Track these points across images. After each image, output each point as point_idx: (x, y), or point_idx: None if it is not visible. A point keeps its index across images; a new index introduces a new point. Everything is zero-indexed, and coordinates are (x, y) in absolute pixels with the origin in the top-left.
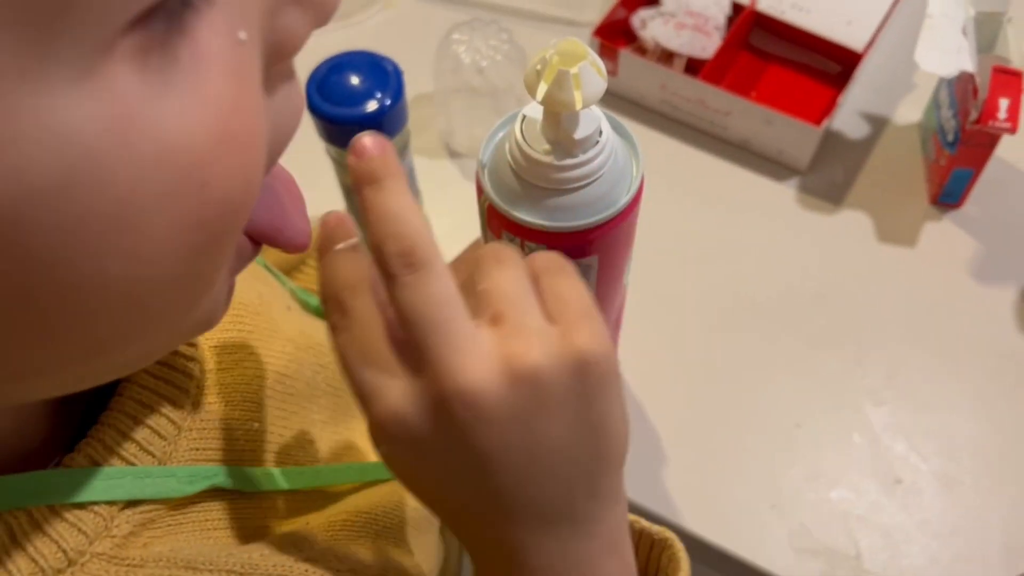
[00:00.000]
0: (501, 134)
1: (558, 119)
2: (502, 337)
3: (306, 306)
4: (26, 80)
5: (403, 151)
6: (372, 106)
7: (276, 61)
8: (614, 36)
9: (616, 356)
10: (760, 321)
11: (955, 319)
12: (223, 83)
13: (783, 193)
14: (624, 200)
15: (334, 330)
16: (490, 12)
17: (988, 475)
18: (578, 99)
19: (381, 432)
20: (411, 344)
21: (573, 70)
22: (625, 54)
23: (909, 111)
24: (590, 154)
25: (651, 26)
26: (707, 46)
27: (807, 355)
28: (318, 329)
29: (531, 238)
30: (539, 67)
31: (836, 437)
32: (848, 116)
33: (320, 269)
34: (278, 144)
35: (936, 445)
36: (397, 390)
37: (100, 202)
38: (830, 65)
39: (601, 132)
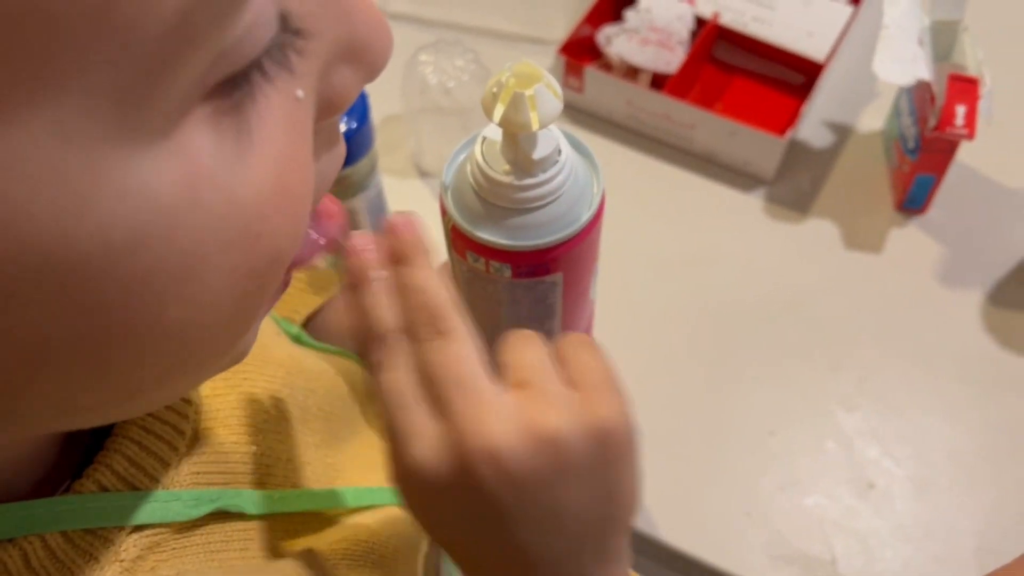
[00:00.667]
0: (462, 156)
1: (516, 140)
2: (525, 400)
3: (286, 334)
4: (114, 145)
5: (371, 172)
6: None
7: (325, 116)
8: (580, 53)
9: (635, 425)
10: (731, 331)
11: (923, 323)
12: (282, 140)
13: (750, 203)
14: (586, 217)
15: (378, 367)
16: (455, 32)
17: (960, 477)
18: (534, 120)
19: (407, 477)
20: (437, 404)
21: (528, 92)
22: (591, 71)
23: (872, 119)
24: (550, 173)
25: (616, 42)
26: (671, 61)
27: (778, 363)
28: (305, 354)
29: (495, 258)
30: (495, 89)
31: (810, 444)
32: (812, 126)
33: (358, 303)
34: (319, 193)
35: (908, 449)
36: (426, 440)
37: (166, 255)
38: (793, 76)
39: (560, 151)
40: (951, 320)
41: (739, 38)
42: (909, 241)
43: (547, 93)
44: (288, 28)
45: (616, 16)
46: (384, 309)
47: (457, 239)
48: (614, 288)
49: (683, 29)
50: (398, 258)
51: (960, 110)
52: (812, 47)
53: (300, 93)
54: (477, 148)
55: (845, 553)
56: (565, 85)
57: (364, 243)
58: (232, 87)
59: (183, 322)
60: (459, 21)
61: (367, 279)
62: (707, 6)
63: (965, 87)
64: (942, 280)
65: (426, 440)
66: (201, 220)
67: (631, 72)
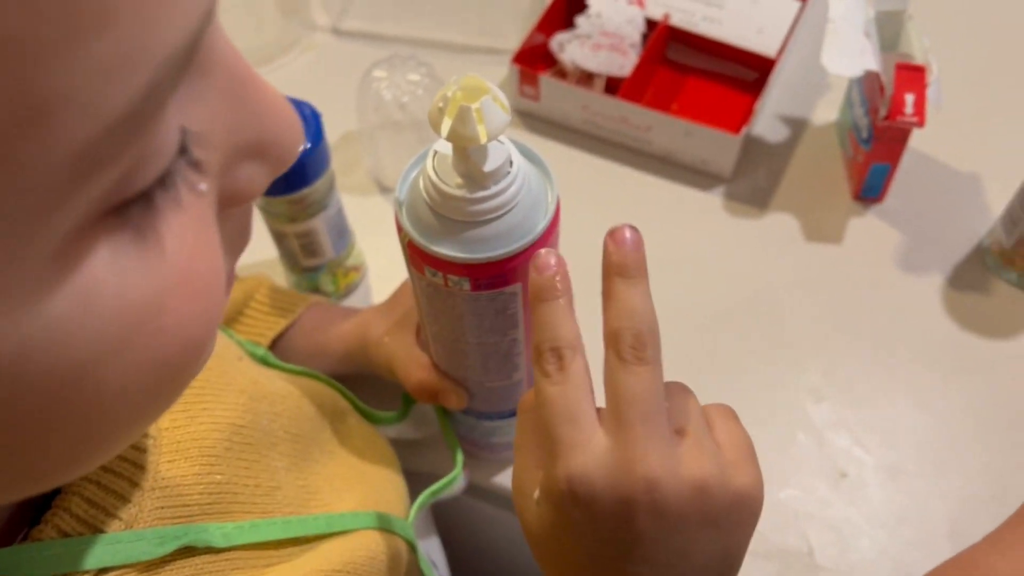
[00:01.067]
0: (415, 171)
1: (466, 153)
2: (687, 447)
3: (252, 356)
4: (1, 272)
5: (329, 191)
6: None
7: (230, 206)
8: (534, 61)
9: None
10: (696, 330)
11: (886, 311)
12: (184, 234)
13: (710, 202)
14: (541, 226)
15: (547, 378)
16: (409, 47)
17: (930, 462)
18: (482, 133)
19: (559, 486)
20: (615, 421)
21: (475, 105)
22: (545, 79)
23: (825, 111)
24: (502, 185)
25: (569, 49)
26: (624, 64)
27: (744, 360)
28: (270, 378)
29: (452, 271)
30: (441, 104)
31: (780, 438)
32: (767, 121)
33: (540, 315)
34: (229, 265)
35: (878, 437)
36: (593, 453)
37: (57, 362)
38: (746, 73)
39: (511, 162)
40: (912, 306)
41: (690, 38)
42: (868, 230)
43: (494, 106)
44: (187, 150)
45: (568, 23)
46: (565, 327)
47: (414, 255)
48: (577, 293)
49: (634, 32)
50: (618, 271)
51: (909, 98)
52: (762, 43)
53: (203, 187)
54: (429, 163)
55: (821, 544)
56: (521, 94)
57: (551, 261)
58: (131, 204)
59: (85, 415)
60: (412, 35)
61: (553, 295)
62: (657, 8)
63: (912, 75)
64: (902, 267)
65: (592, 454)
66: (96, 326)
67: (585, 78)
